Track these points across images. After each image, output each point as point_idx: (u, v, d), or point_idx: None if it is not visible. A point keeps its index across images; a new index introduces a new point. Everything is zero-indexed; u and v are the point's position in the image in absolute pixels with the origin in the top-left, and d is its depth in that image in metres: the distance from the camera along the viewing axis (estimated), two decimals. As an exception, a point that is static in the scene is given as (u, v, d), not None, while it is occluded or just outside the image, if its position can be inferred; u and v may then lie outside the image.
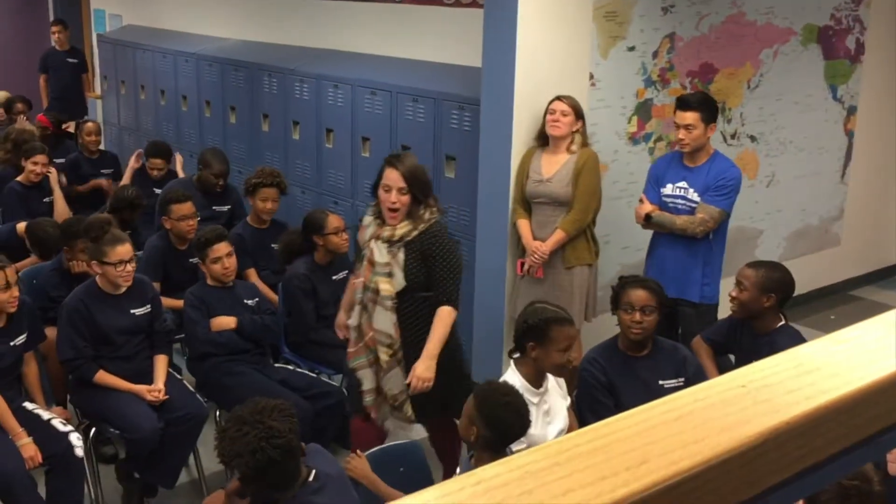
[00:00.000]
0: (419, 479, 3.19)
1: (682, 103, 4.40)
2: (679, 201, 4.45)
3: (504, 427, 2.87)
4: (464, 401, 3.00)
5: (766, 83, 5.72)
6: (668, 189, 4.48)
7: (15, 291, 3.72)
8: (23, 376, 3.96)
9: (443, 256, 3.55)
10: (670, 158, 4.61)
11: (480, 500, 0.62)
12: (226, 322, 4.21)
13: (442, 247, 3.56)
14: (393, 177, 3.52)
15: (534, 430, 3.13)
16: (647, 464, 0.70)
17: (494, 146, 4.80)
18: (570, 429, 3.42)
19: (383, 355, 3.56)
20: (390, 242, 3.52)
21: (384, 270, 3.51)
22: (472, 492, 0.64)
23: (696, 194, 4.40)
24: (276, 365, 4.45)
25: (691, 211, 4.39)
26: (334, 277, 4.68)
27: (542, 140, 4.57)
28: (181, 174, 6.44)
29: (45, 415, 3.81)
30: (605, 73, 4.86)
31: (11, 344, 3.80)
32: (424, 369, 3.48)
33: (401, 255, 3.51)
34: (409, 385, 3.50)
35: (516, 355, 3.39)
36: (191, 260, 4.82)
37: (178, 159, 6.56)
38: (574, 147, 4.51)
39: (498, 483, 0.64)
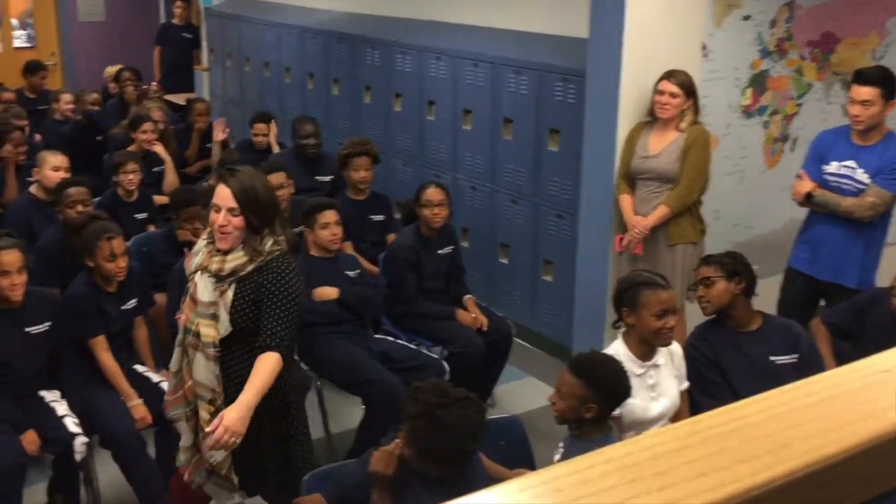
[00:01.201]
0: (520, 454, 3.15)
1: (861, 77, 4.12)
2: (844, 181, 4.20)
3: (615, 388, 2.84)
4: (292, 484, 2.86)
5: (893, 54, 5.42)
6: (832, 167, 4.24)
7: (122, 262, 3.82)
8: (133, 340, 4.09)
9: (276, 293, 2.89)
10: (837, 134, 4.33)
11: (612, 478, 0.58)
12: (328, 292, 4.25)
13: (278, 283, 2.90)
14: (223, 194, 2.87)
15: (635, 399, 3.06)
16: (789, 448, 0.65)
17: (600, 120, 4.69)
18: (679, 414, 3.33)
19: (203, 412, 2.96)
20: (218, 277, 2.90)
21: (208, 311, 2.91)
22: (603, 470, 0.59)
23: (865, 175, 4.14)
24: (377, 336, 4.48)
25: (857, 192, 4.15)
26: (440, 251, 4.67)
27: (651, 116, 4.45)
28: (275, 146, 6.52)
29: (155, 377, 3.92)
30: (719, 44, 4.68)
31: (122, 308, 3.92)
32: (235, 420, 2.74)
33: (229, 294, 2.90)
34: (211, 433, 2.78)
35: (620, 327, 3.32)
36: (292, 230, 4.89)
37: (273, 130, 6.62)
38: (683, 125, 4.37)
39: (629, 462, 0.60)
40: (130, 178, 5.16)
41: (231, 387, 2.94)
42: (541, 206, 5.35)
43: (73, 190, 4.54)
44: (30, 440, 3.46)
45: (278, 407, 3.03)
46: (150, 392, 3.80)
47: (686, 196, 4.35)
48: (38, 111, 7.40)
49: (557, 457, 2.94)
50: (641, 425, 3.18)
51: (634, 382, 2.98)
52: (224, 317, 2.90)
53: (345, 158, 5.14)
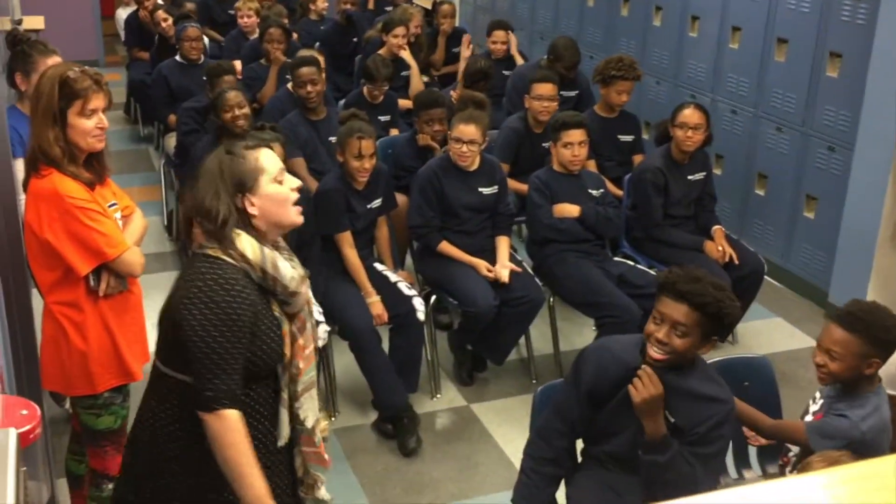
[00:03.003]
0: (767, 398, 2.88)
1: None
2: None
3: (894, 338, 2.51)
4: None
5: None
6: None
7: (367, 163, 3.83)
8: (375, 239, 4.14)
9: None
10: None
11: None
12: (569, 209, 4.09)
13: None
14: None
15: None
16: None
17: (891, 45, 4.14)
18: None
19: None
20: None
21: None
22: None
23: None
24: (615, 259, 4.28)
25: None
26: (690, 177, 4.36)
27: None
28: (517, 57, 6.30)
29: (393, 277, 3.96)
30: None
31: (368, 207, 3.96)
32: None
33: None
34: None
35: None
36: (543, 144, 4.74)
37: (513, 40, 6.39)
38: None
39: None
40: (368, 88, 5.22)
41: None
42: (810, 136, 4.86)
43: (304, 70, 4.69)
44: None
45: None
46: (388, 290, 3.84)
47: None
48: (292, 10, 7.63)
49: (815, 408, 2.65)
50: None
51: None
52: None
53: (607, 78, 4.84)
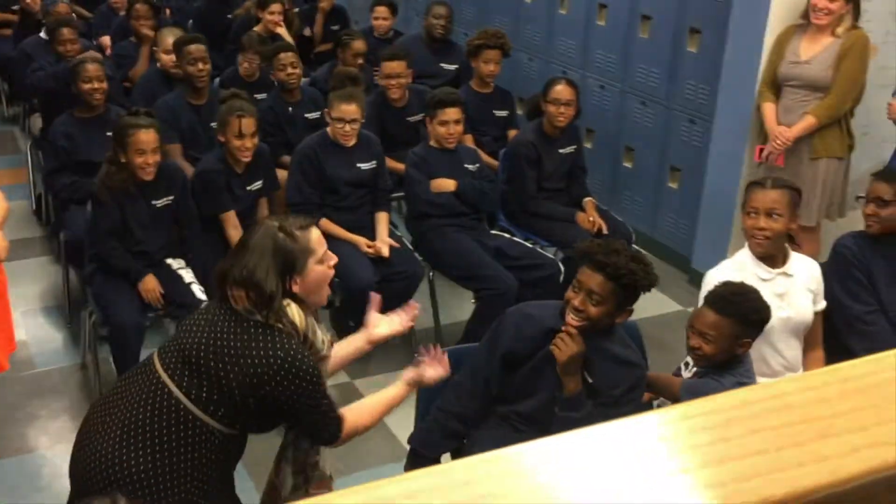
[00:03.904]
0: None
1: None
2: None
3: (763, 316, 2.69)
4: None
5: None
6: None
7: (249, 142, 3.83)
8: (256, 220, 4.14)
9: None
10: None
11: (855, 399, 0.47)
12: (445, 184, 4.18)
13: None
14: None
15: None
16: None
17: (748, 20, 4.38)
18: (813, 334, 3.15)
19: None
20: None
21: None
22: (842, 389, 0.49)
23: None
24: (492, 232, 4.40)
25: None
26: (561, 150, 4.51)
27: (805, 18, 4.12)
28: None
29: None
30: (887, -58, 4.26)
31: (247, 188, 3.95)
32: None
33: None
34: None
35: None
36: (408, 119, 4.81)
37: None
38: (840, 30, 4.05)
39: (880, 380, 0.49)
40: (245, 66, 5.17)
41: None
42: (673, 109, 5.09)
43: (193, 47, 4.58)
44: (149, 288, 3.56)
45: None
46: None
47: (836, 108, 4.05)
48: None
49: (688, 375, 2.82)
50: (767, 340, 3.03)
51: (761, 287, 2.81)
52: None
53: (476, 49, 4.97)
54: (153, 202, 3.66)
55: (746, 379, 2.69)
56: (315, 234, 2.30)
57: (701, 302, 2.78)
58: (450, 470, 0.45)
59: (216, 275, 2.27)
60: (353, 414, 2.35)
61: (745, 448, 0.42)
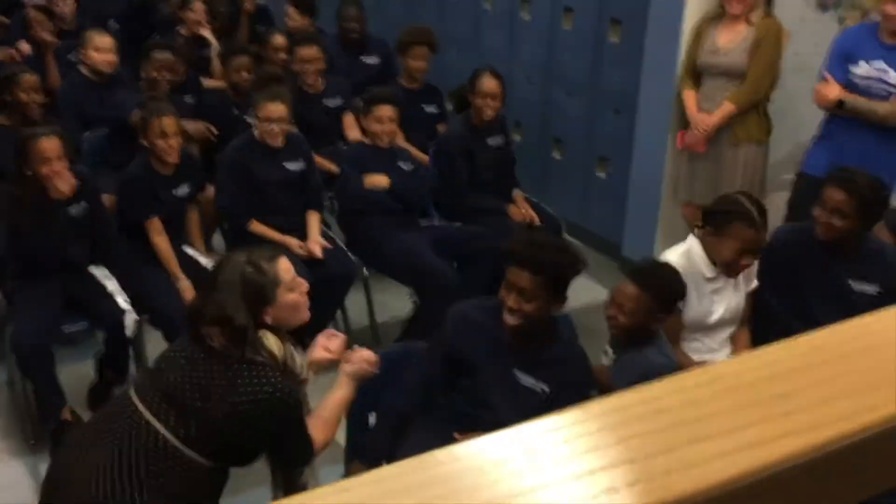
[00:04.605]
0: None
1: None
2: (874, 84, 3.92)
3: (679, 294, 2.80)
4: None
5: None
6: (861, 69, 3.93)
7: (173, 141, 3.79)
8: (185, 222, 4.08)
9: None
10: (866, 32, 4.03)
11: (726, 400, 0.50)
12: (379, 180, 4.17)
13: None
14: None
15: (701, 303, 3.01)
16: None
17: (666, 11, 4.46)
18: (742, 314, 3.23)
19: None
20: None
21: None
22: (713, 390, 0.51)
23: None
24: (423, 225, 4.41)
25: (887, 96, 3.88)
26: (490, 142, 4.54)
27: (720, 8, 4.21)
28: None
29: (203, 260, 3.93)
30: (796, -70, 4.38)
31: (175, 194, 3.90)
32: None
33: None
34: None
35: (698, 233, 3.14)
36: (325, 102, 4.92)
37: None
38: (754, 18, 4.15)
39: (743, 382, 0.52)
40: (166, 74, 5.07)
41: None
42: (598, 100, 5.17)
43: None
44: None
45: None
46: (197, 274, 3.80)
47: (754, 93, 4.15)
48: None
49: (606, 361, 2.88)
50: (704, 329, 3.11)
51: (703, 285, 2.89)
52: None
53: (403, 46, 4.98)
54: (67, 210, 3.58)
55: (665, 353, 2.77)
56: (283, 264, 2.33)
57: None
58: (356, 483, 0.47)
59: (188, 314, 2.30)
60: (317, 430, 2.38)
61: (615, 456, 0.44)
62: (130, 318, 3.52)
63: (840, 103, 3.90)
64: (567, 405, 1.80)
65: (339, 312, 4.26)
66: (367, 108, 4.17)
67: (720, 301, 3.12)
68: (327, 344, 2.57)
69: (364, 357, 2.52)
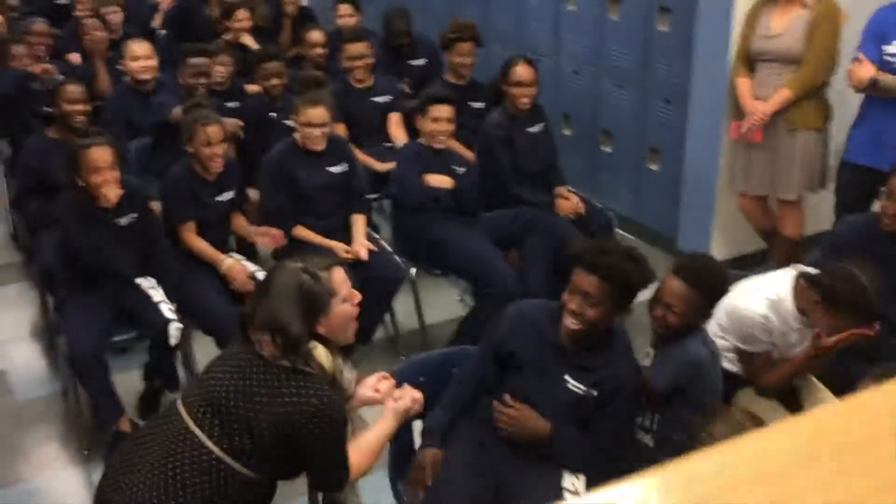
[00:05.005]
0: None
1: None
2: None
3: (725, 291, 2.70)
4: None
5: None
6: (894, 48, 3.80)
7: (218, 149, 3.77)
8: (232, 230, 4.07)
9: None
10: None
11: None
12: (442, 180, 4.09)
13: None
14: None
15: (783, 347, 2.89)
16: None
17: (716, -4, 4.32)
18: None
19: None
20: None
21: None
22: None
23: None
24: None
25: None
26: (530, 129, 4.43)
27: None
28: None
29: (251, 267, 3.91)
30: None
31: (217, 199, 3.89)
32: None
33: None
34: None
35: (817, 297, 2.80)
36: (373, 99, 4.92)
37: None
38: (809, 1, 3.99)
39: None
40: (221, 71, 5.08)
41: None
42: (648, 90, 5.03)
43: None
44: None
45: None
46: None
47: (811, 79, 3.99)
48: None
49: (648, 362, 2.77)
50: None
51: (789, 335, 2.78)
52: None
53: (448, 42, 4.91)
54: (117, 220, 3.59)
55: (707, 343, 2.66)
56: (339, 275, 2.28)
57: None
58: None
59: (239, 319, 2.24)
60: (356, 456, 2.30)
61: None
62: (174, 328, 3.50)
63: (874, 83, 3.79)
64: (613, 415, 1.74)
65: (387, 316, 4.20)
66: (423, 107, 4.09)
67: (804, 338, 2.94)
68: (377, 385, 2.50)
69: (412, 396, 2.46)
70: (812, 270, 2.87)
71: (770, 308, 2.85)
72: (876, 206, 3.31)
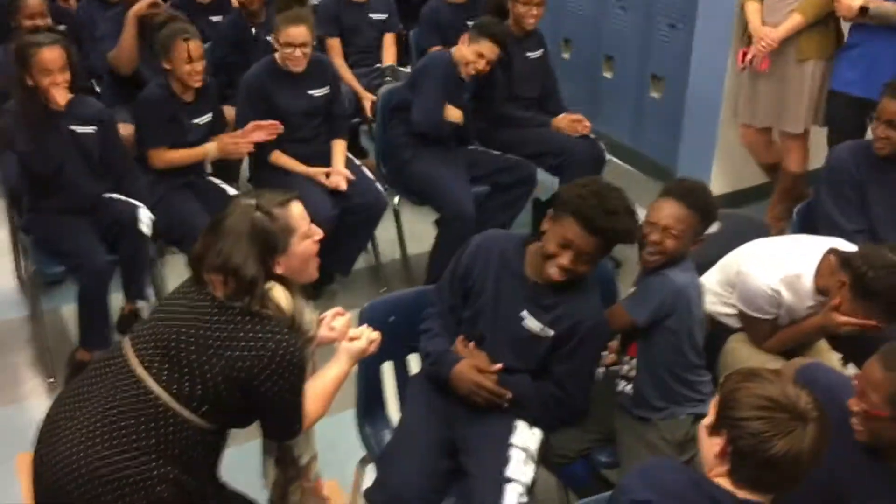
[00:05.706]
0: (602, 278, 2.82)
1: None
2: None
3: (716, 213, 2.51)
4: None
5: None
6: None
7: (199, 66, 3.59)
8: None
9: None
10: None
11: None
12: (457, 115, 3.89)
13: None
14: None
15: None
16: None
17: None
18: None
19: None
20: None
21: None
22: None
23: None
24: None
25: None
26: (529, 54, 4.21)
27: None
28: None
29: (230, 190, 3.79)
30: None
31: (195, 122, 3.71)
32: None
33: None
34: None
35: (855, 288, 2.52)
36: (370, 15, 4.70)
37: None
38: (822, -84, 3.74)
39: None
40: None
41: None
42: (652, 14, 4.79)
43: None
44: None
45: None
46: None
47: (825, 3, 3.75)
48: None
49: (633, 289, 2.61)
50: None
51: (801, 312, 2.62)
52: None
53: None
54: (72, 128, 3.39)
55: (689, 271, 2.49)
56: (297, 210, 2.09)
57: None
58: None
59: (191, 258, 2.06)
60: (310, 403, 2.14)
61: None
62: (145, 214, 3.39)
63: (863, 10, 3.62)
64: (569, 354, 1.56)
65: (369, 245, 4.06)
66: (474, 36, 3.84)
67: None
68: (332, 322, 2.34)
69: (369, 337, 2.30)
70: (846, 248, 2.67)
71: (784, 284, 2.64)
72: (869, 134, 3.16)
